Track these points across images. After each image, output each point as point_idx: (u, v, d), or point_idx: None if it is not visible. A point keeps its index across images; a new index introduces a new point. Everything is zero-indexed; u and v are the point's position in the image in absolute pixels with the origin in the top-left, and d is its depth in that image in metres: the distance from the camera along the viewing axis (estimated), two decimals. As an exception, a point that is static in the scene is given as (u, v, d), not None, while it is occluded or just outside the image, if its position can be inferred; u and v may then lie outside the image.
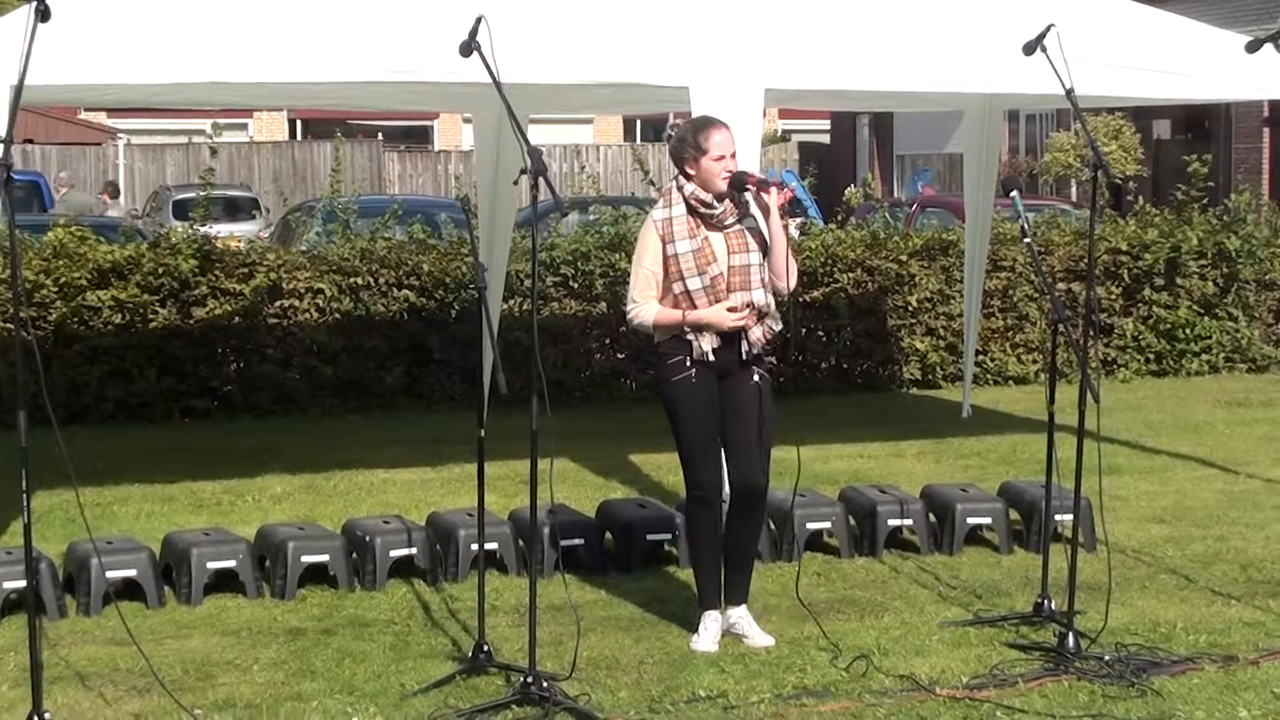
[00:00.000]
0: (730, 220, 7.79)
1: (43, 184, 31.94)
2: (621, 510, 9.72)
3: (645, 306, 7.81)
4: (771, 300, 7.87)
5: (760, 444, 7.93)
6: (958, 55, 10.73)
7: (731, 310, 7.70)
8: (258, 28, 9.43)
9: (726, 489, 7.96)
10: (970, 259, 14.46)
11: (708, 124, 7.89)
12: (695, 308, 7.72)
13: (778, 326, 7.94)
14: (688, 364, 7.75)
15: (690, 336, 7.73)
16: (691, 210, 7.77)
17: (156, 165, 41.83)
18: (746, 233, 7.81)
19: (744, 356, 7.79)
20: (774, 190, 7.76)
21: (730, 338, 7.76)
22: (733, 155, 7.77)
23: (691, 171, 7.79)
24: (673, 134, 8.03)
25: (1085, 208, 23.25)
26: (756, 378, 7.87)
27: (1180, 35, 11.72)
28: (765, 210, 7.85)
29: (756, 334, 7.80)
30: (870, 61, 10.60)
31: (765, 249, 7.82)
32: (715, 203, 7.74)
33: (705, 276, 7.71)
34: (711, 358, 7.73)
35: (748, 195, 7.81)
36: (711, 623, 7.95)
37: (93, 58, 9.06)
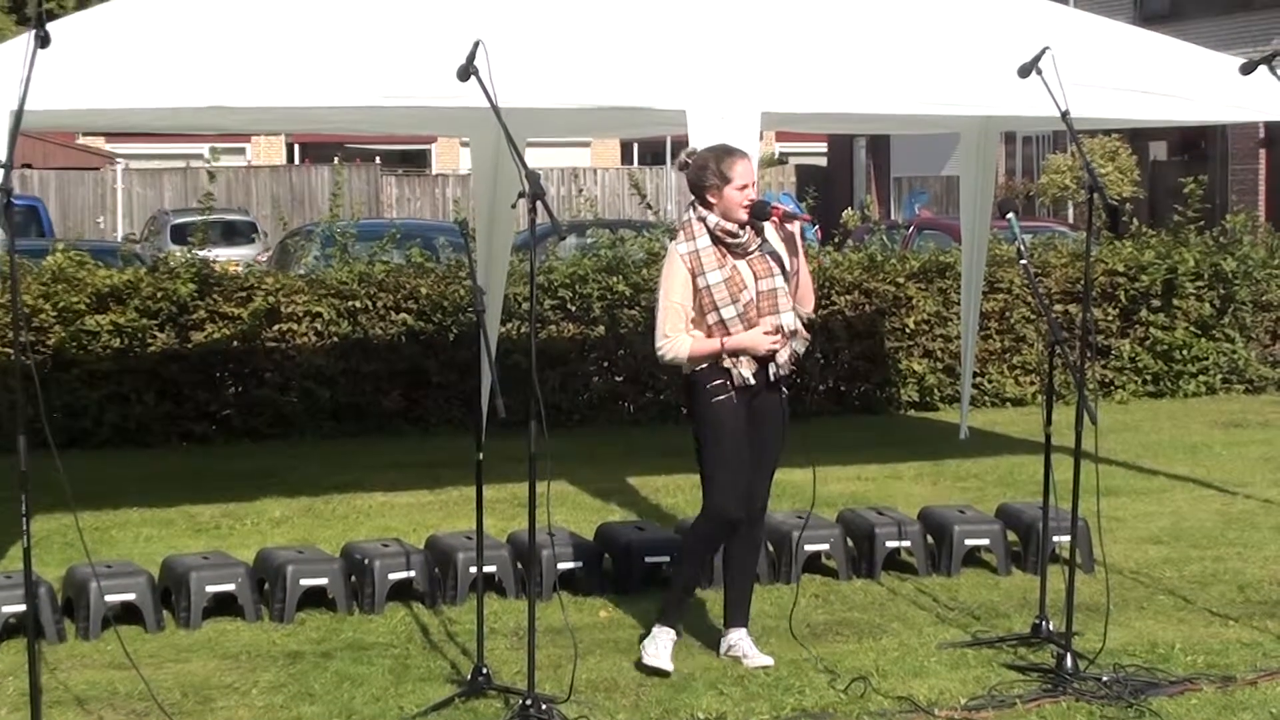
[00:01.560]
0: (753, 247, 7.82)
1: (41, 209, 31.95)
2: (620, 533, 9.73)
3: (678, 340, 7.80)
4: (798, 322, 7.92)
5: (769, 465, 7.98)
6: (954, 78, 10.75)
7: (767, 334, 7.74)
8: (256, 53, 9.46)
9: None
10: (967, 281, 14.48)
11: (730, 153, 7.91)
12: (730, 335, 7.75)
13: (802, 349, 7.99)
14: (728, 386, 7.79)
15: (729, 364, 7.75)
16: (716, 240, 7.80)
17: (155, 190, 41.87)
18: (768, 257, 7.86)
19: (771, 378, 7.84)
20: (798, 223, 7.82)
21: (762, 361, 7.79)
22: (753, 184, 7.81)
23: (713, 200, 7.80)
24: (690, 161, 8.02)
25: (1082, 230, 23.28)
26: (781, 398, 7.97)
27: (1176, 58, 11.75)
28: (789, 240, 7.88)
29: (784, 356, 7.86)
30: (867, 84, 10.62)
31: (785, 271, 7.86)
32: (739, 231, 7.77)
33: (739, 304, 7.74)
34: (752, 382, 7.76)
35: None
36: (666, 639, 7.91)
37: (92, 83, 9.08)
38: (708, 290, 7.75)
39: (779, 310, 7.82)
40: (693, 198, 7.93)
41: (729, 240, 7.79)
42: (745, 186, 7.77)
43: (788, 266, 7.90)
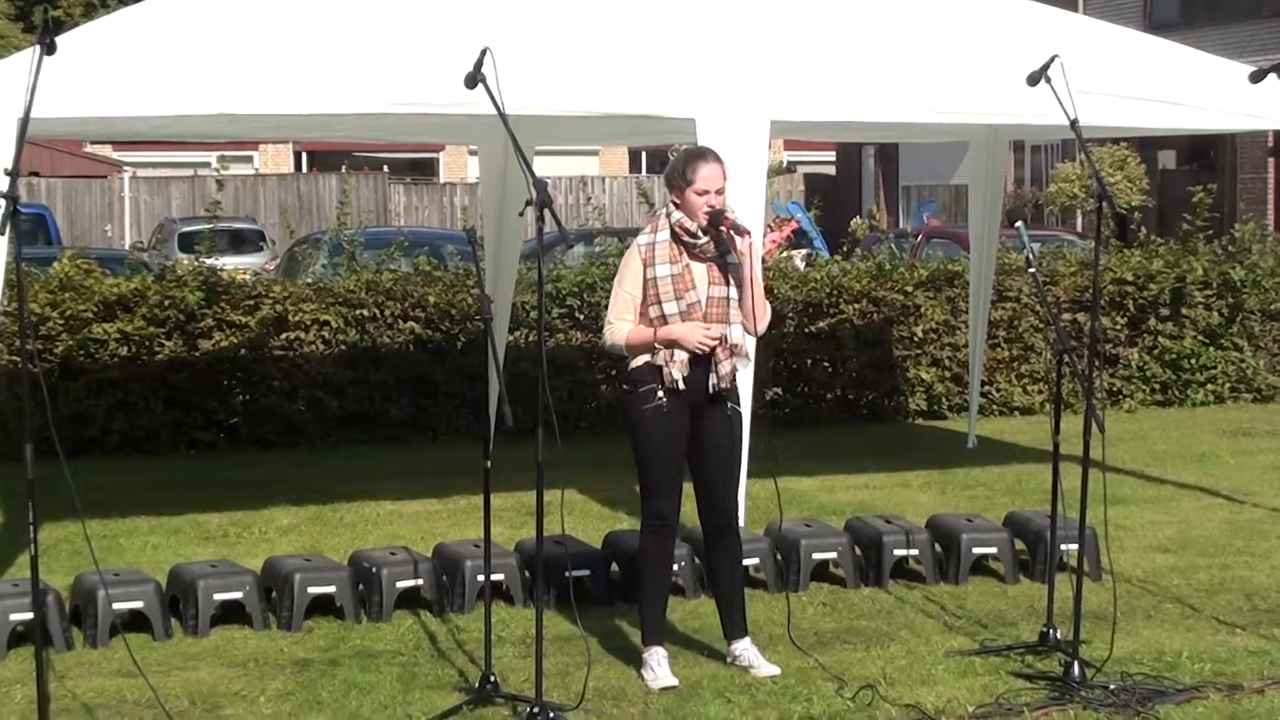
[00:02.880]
0: (712, 253, 7.81)
1: (49, 217, 31.97)
2: (628, 541, 9.69)
3: (618, 326, 7.84)
4: (746, 341, 7.88)
5: (731, 476, 7.99)
6: (962, 86, 10.75)
7: (706, 333, 7.70)
8: (263, 60, 9.47)
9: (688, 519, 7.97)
10: (975, 290, 14.49)
11: (698, 156, 7.90)
12: None
13: (745, 368, 7.95)
14: (659, 393, 7.77)
15: (661, 363, 7.75)
16: (676, 237, 7.80)
17: (162, 198, 41.90)
18: (729, 268, 7.83)
19: (711, 390, 7.80)
20: (747, 239, 7.74)
21: (700, 371, 7.77)
22: (719, 191, 7.76)
23: (678, 200, 7.83)
24: (670, 157, 8.05)
25: (1090, 238, 23.28)
26: (729, 411, 7.91)
27: (1185, 66, 11.73)
28: (737, 250, 7.83)
29: (726, 368, 7.80)
30: (875, 93, 10.62)
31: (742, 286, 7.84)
32: (699, 234, 7.77)
33: (682, 302, 7.73)
34: (681, 385, 7.73)
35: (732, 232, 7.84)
36: (659, 659, 7.92)
37: (99, 90, 9.10)
38: (654, 282, 7.77)
39: (729, 321, 7.79)
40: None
41: (686, 239, 7.79)
42: (706, 192, 7.75)
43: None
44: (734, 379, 7.90)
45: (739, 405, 8.03)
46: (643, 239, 7.89)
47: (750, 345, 8.00)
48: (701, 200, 7.74)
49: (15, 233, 6.40)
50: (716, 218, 7.74)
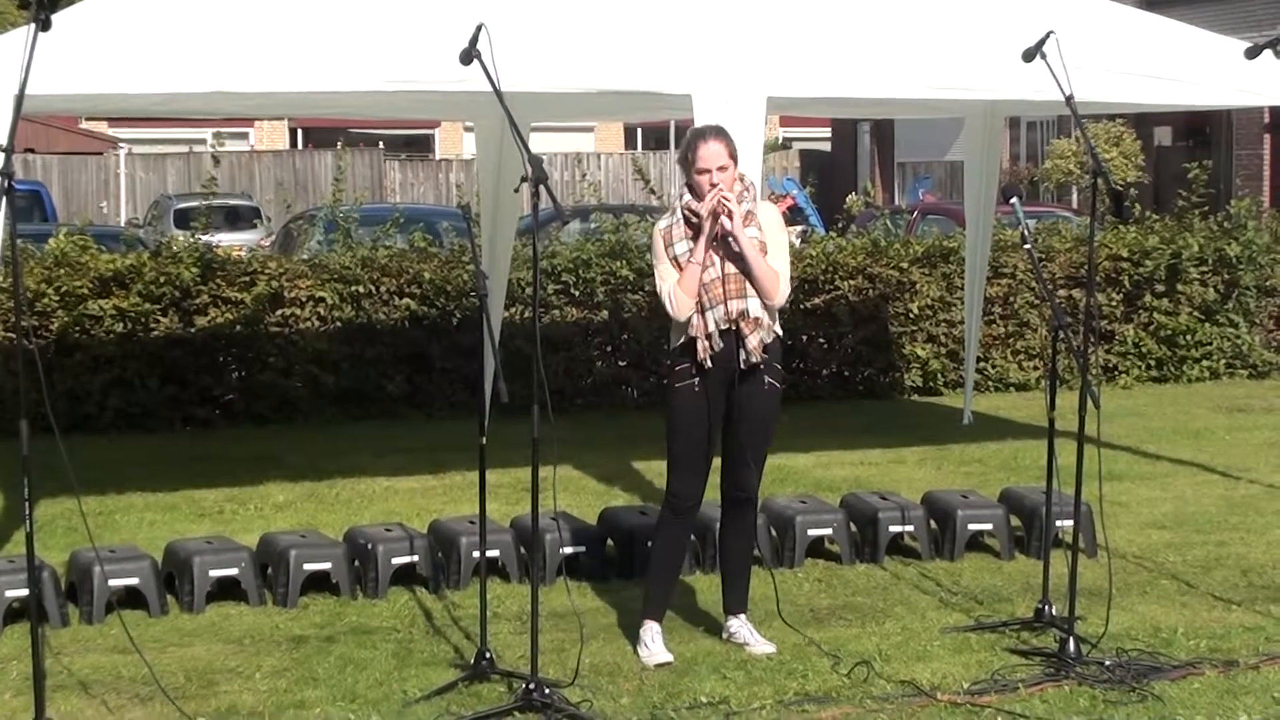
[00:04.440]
0: (719, 231, 7.79)
1: (44, 194, 31.91)
2: (623, 518, 9.73)
3: (669, 283, 7.79)
4: (764, 313, 7.83)
5: (756, 450, 7.97)
6: (958, 62, 10.73)
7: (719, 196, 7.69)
8: (259, 38, 9.44)
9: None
10: (971, 266, 14.48)
11: (698, 136, 7.90)
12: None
13: (769, 338, 7.89)
14: (693, 372, 7.77)
15: (694, 334, 7.74)
16: (686, 220, 7.80)
17: (158, 174, 41.82)
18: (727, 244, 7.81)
19: (744, 365, 7.79)
20: (720, 220, 7.70)
21: (729, 348, 7.75)
22: (720, 168, 7.75)
23: (690, 182, 7.82)
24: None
25: (1086, 215, 23.26)
26: (766, 386, 7.90)
27: (1181, 41, 11.72)
28: (713, 228, 7.80)
29: (753, 342, 7.78)
30: (872, 69, 10.60)
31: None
32: (704, 215, 7.75)
33: (705, 275, 7.74)
34: (715, 348, 7.71)
35: (746, 206, 7.80)
36: (654, 635, 7.93)
37: (94, 67, 9.06)
38: (675, 260, 7.79)
39: (745, 295, 7.77)
40: None
41: (692, 220, 7.79)
42: (706, 171, 7.74)
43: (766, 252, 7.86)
44: (765, 352, 7.86)
45: (777, 381, 7.98)
46: (662, 223, 7.93)
47: (773, 317, 7.91)
48: (703, 180, 7.74)
49: (10, 209, 6.40)
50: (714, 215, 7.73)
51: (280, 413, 15.11)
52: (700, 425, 7.82)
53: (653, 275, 8.01)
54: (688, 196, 7.83)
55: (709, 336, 7.72)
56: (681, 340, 7.83)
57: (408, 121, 43.01)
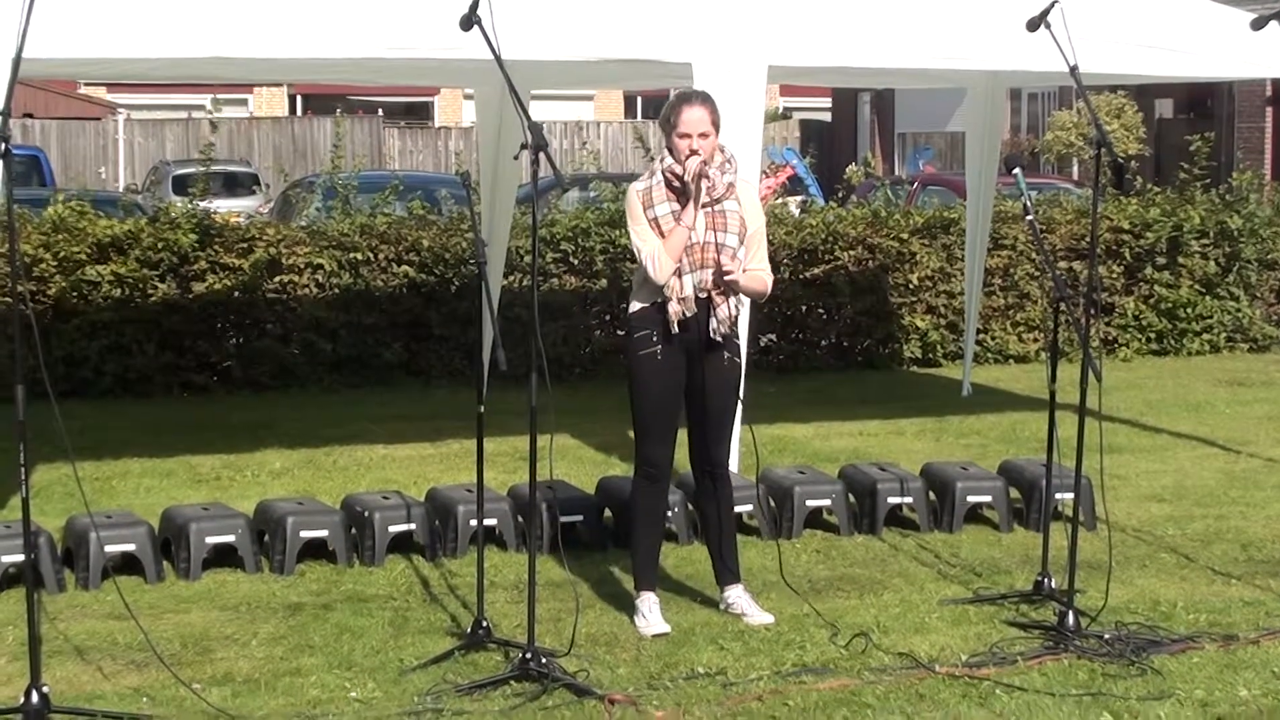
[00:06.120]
0: (704, 199, 7.75)
1: (43, 159, 31.86)
2: (621, 487, 9.68)
3: (651, 243, 7.72)
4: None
5: (723, 424, 7.98)
6: (961, 32, 10.70)
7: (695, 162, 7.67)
8: (259, 3, 9.40)
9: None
10: (971, 237, 14.44)
11: (683, 99, 7.84)
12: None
13: (736, 312, 7.86)
14: (655, 339, 7.75)
15: (666, 296, 7.69)
16: (667, 183, 7.76)
17: (156, 140, 41.75)
18: (726, 214, 7.78)
19: (711, 334, 7.76)
20: (701, 189, 7.68)
21: (699, 315, 7.71)
22: (702, 135, 7.69)
23: (670, 145, 7.80)
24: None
25: (1087, 187, 23.22)
26: (726, 360, 7.88)
27: (1184, 12, 11.67)
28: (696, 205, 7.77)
29: (724, 312, 7.76)
30: (873, 38, 10.57)
31: (741, 234, 7.78)
32: (684, 177, 7.71)
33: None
34: (687, 313, 7.68)
35: (728, 179, 7.78)
36: (651, 605, 7.91)
37: (93, 31, 9.03)
38: (655, 222, 7.75)
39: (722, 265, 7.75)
40: None
41: (675, 185, 7.75)
42: (688, 135, 7.70)
43: (747, 229, 7.83)
44: (733, 325, 7.85)
45: (738, 357, 8.00)
46: (639, 184, 7.88)
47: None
48: (684, 144, 7.69)
49: (8, 174, 6.36)
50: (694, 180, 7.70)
51: (278, 380, 15.09)
52: (667, 391, 7.81)
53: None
54: (670, 160, 7.78)
55: (683, 300, 7.68)
56: (640, 306, 7.81)
57: (407, 89, 43.00)
